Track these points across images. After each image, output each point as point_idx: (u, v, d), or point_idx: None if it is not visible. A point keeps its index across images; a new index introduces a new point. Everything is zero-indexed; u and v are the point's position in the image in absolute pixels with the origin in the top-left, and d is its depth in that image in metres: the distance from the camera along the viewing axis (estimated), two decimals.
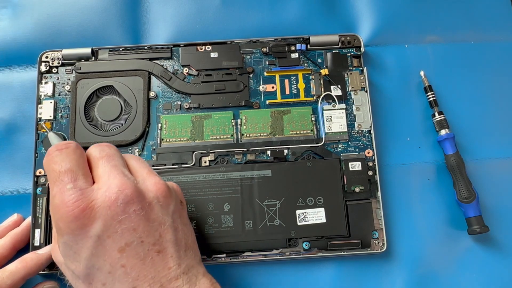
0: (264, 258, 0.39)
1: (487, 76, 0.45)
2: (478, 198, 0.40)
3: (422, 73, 0.44)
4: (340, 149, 0.41)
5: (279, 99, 0.43)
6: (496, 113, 0.44)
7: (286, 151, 0.41)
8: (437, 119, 0.42)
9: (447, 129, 0.42)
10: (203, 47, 0.44)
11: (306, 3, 0.47)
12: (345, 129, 0.42)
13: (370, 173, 0.40)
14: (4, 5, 0.47)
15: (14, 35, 0.46)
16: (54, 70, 0.43)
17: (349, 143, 0.42)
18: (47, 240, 0.38)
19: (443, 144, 0.42)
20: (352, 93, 0.43)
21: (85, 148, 0.40)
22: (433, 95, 0.43)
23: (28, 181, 0.41)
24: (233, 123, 0.42)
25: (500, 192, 0.42)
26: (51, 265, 0.37)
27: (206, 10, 0.47)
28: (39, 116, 0.42)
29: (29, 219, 0.39)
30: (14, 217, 0.40)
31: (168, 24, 0.46)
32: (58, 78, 0.43)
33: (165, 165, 0.40)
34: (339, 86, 0.43)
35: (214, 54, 0.43)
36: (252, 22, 0.46)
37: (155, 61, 0.43)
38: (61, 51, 0.43)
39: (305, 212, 0.39)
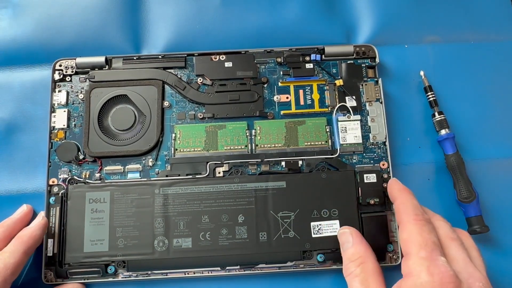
0: (278, 270, 0.38)
1: (487, 76, 0.45)
2: (478, 198, 0.40)
3: (422, 73, 0.44)
4: (355, 160, 0.41)
5: (293, 109, 0.42)
6: (496, 113, 0.44)
7: (300, 162, 0.41)
8: (437, 119, 0.42)
9: (447, 129, 0.42)
10: (217, 56, 0.43)
11: (306, 3, 0.47)
12: (360, 141, 0.41)
13: (385, 185, 0.40)
14: (4, 5, 0.47)
15: (14, 35, 0.46)
16: (68, 78, 0.43)
17: (364, 154, 0.41)
18: (60, 249, 0.38)
19: (443, 144, 0.42)
20: (367, 104, 0.42)
21: (100, 158, 0.41)
22: (433, 95, 0.43)
23: (28, 181, 0.41)
24: (247, 134, 0.42)
25: (500, 192, 0.42)
26: None
27: (206, 10, 0.47)
28: (52, 125, 0.42)
29: (40, 219, 0.38)
30: (24, 208, 0.39)
31: (168, 24, 0.46)
32: (71, 86, 0.43)
33: (179, 175, 0.40)
34: (353, 97, 0.43)
35: (228, 64, 0.43)
36: (252, 22, 0.46)
37: (169, 70, 0.43)
38: (75, 59, 0.43)
39: (320, 224, 0.39)
